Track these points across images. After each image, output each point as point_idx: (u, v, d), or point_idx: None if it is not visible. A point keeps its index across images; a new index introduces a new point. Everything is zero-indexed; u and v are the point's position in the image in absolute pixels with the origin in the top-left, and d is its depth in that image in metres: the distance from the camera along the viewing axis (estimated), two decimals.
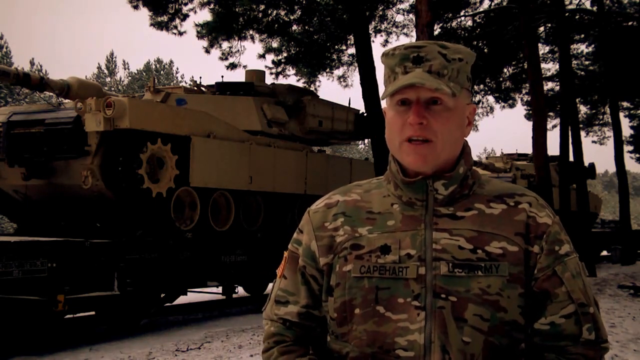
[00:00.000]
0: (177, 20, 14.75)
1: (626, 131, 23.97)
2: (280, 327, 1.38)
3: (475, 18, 18.00)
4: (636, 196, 78.51)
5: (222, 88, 10.80)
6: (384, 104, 1.39)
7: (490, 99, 20.92)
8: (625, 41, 18.34)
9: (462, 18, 17.92)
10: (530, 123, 11.79)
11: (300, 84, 16.10)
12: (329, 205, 1.39)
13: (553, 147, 15.83)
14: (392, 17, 16.64)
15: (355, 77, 18.88)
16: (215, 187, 9.17)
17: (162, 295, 8.89)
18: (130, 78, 57.89)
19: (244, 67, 15.97)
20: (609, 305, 9.23)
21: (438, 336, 1.22)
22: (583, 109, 24.36)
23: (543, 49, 19.91)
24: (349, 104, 12.60)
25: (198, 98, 10.29)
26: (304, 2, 14.92)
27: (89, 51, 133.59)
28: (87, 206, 8.40)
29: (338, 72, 17.66)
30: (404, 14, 16.74)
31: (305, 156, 10.97)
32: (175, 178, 8.45)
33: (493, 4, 18.12)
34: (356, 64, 14.33)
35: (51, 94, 8.91)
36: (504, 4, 17.73)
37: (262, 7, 14.68)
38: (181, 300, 9.65)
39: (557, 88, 20.52)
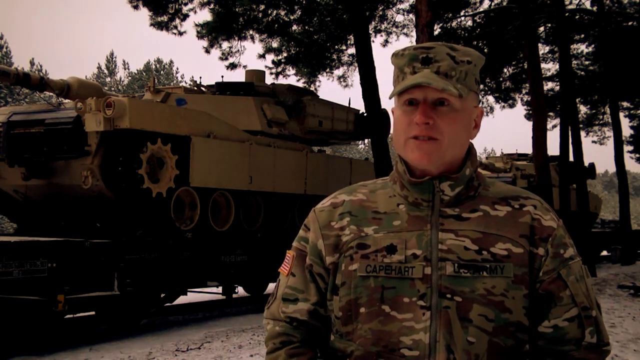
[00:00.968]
0: (177, 20, 14.76)
1: (626, 131, 24.00)
2: (287, 326, 1.37)
3: (475, 18, 18.01)
4: (636, 196, 78.51)
5: (222, 88, 10.80)
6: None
7: (490, 99, 20.94)
8: (625, 41, 18.34)
9: (462, 18, 17.93)
10: (530, 123, 11.78)
11: (300, 84, 16.11)
12: (335, 205, 1.39)
13: (553, 147, 15.83)
14: (392, 17, 16.65)
15: (355, 77, 18.89)
16: (215, 187, 9.17)
17: (162, 295, 8.89)
18: (130, 78, 57.90)
19: (244, 67, 15.98)
20: (609, 305, 9.23)
21: (443, 336, 1.23)
22: (583, 109, 24.37)
23: (543, 49, 19.94)
24: (349, 104, 12.60)
25: (198, 98, 10.28)
26: (304, 2, 14.92)
27: (89, 51, 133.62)
28: (87, 206, 8.39)
29: (338, 72, 17.66)
30: (404, 14, 16.75)
31: (305, 156, 10.96)
32: (175, 178, 8.45)
33: (493, 4, 18.13)
34: (356, 64, 14.33)
35: (51, 94, 8.91)
36: (504, 4, 17.73)
37: (262, 7, 14.69)
38: (181, 300, 9.65)
39: (557, 88, 20.53)
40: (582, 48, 21.53)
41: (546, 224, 1.31)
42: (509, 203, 1.33)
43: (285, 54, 16.34)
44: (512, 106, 21.04)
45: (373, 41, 14.22)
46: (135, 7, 13.91)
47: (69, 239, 7.37)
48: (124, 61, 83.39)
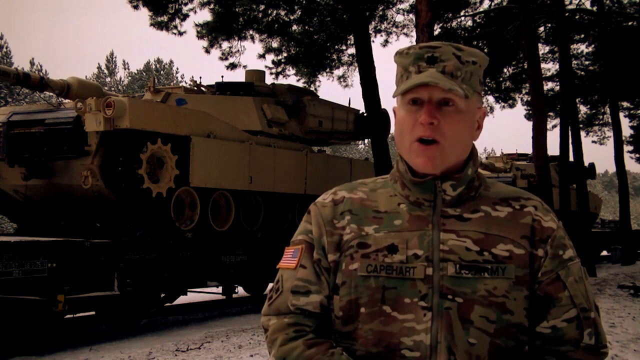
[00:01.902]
0: (177, 20, 14.76)
1: (626, 131, 24.00)
2: (298, 317, 1.32)
3: (475, 18, 18.01)
4: (636, 196, 78.51)
5: (222, 88, 10.80)
6: (390, 103, 1.39)
7: (490, 99, 20.92)
8: (625, 41, 18.34)
9: (462, 18, 17.93)
10: (530, 123, 11.77)
11: (300, 84, 16.11)
12: (335, 202, 1.38)
13: (553, 147, 15.87)
14: (392, 17, 16.65)
15: (355, 77, 18.88)
16: (215, 187, 9.17)
17: (162, 295, 8.89)
18: (130, 78, 57.90)
19: (244, 67, 15.99)
20: (609, 305, 9.23)
21: (444, 337, 1.23)
22: (583, 109, 24.36)
23: (543, 49, 19.94)
24: (349, 104, 12.60)
25: (198, 98, 10.28)
26: (304, 2, 14.92)
27: (89, 51, 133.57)
28: (87, 206, 8.39)
29: (338, 72, 17.66)
30: (404, 14, 16.75)
31: (305, 156, 10.96)
32: (175, 178, 8.45)
33: (493, 4, 18.14)
34: (356, 64, 14.33)
35: (51, 94, 8.91)
36: (504, 4, 17.73)
37: (262, 7, 14.69)
38: (181, 300, 9.65)
39: (557, 88, 20.52)
40: (582, 48, 21.55)
41: (546, 225, 1.31)
42: (510, 204, 1.33)
43: (285, 54, 16.35)
44: (512, 106, 21.04)
45: (373, 41, 14.24)
46: (135, 7, 13.91)
47: (69, 239, 7.37)
48: (124, 61, 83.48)
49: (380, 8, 16.07)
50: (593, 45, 20.79)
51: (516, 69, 19.65)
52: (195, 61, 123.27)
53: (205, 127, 9.06)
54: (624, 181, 19.04)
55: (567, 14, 16.72)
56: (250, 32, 15.35)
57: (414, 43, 10.65)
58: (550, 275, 1.28)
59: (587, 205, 16.16)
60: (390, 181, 1.39)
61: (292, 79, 47.55)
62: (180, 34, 14.94)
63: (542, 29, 18.87)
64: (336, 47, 16.46)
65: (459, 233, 1.28)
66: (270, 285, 1.42)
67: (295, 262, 1.35)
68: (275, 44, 16.15)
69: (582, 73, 21.77)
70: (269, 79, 13.60)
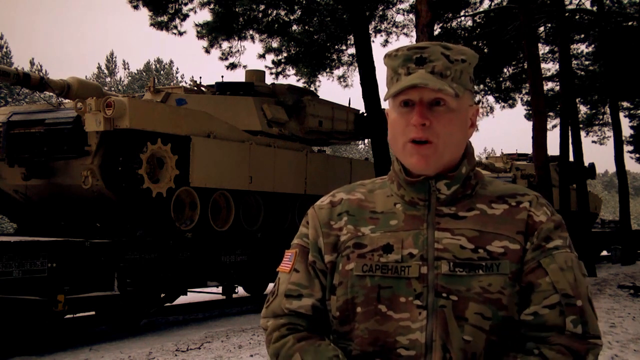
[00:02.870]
0: (177, 20, 14.77)
1: (626, 131, 24.00)
2: (291, 317, 1.34)
3: (475, 18, 18.01)
4: (636, 196, 78.50)
5: (222, 88, 10.80)
6: (385, 105, 1.39)
7: (490, 99, 20.94)
8: (625, 41, 18.33)
9: (462, 18, 17.93)
10: (530, 123, 11.78)
11: (300, 84, 16.11)
12: (333, 204, 1.39)
13: (553, 147, 15.83)
14: (392, 17, 16.66)
15: (355, 77, 18.88)
16: (215, 187, 9.17)
17: (162, 295, 8.88)
18: (130, 78, 57.91)
19: (244, 67, 16.00)
20: (609, 305, 9.23)
21: (439, 335, 1.23)
22: (583, 109, 24.36)
23: (543, 49, 19.94)
24: (349, 104, 12.60)
25: (198, 98, 10.29)
26: (304, 2, 14.92)
27: (89, 51, 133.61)
28: (87, 206, 8.40)
29: (338, 72, 17.68)
30: (404, 14, 16.77)
31: (305, 156, 10.96)
32: (175, 178, 8.45)
33: (493, 4, 18.14)
34: (356, 64, 14.33)
35: (51, 94, 8.91)
36: (504, 4, 17.73)
37: (262, 7, 14.70)
38: (181, 300, 9.65)
39: (557, 88, 20.52)
40: (582, 48, 21.55)
41: (537, 219, 1.30)
42: (506, 201, 1.33)
43: (285, 54, 16.35)
44: (512, 106, 21.04)
45: (373, 41, 14.23)
46: (135, 7, 13.92)
47: (69, 239, 7.37)
48: (124, 61, 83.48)
49: (380, 8, 16.07)
50: (593, 45, 20.79)
51: (516, 69, 19.65)
52: (195, 61, 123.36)
53: (205, 127, 9.07)
54: (624, 181, 19.04)
55: (567, 14, 16.72)
56: (250, 32, 15.36)
57: (414, 43, 10.69)
58: (531, 264, 1.27)
59: (587, 205, 16.15)
60: (387, 181, 1.40)
61: (292, 79, 47.60)
62: (180, 34, 14.95)
63: (542, 29, 18.87)
64: (336, 47, 16.47)
65: (454, 231, 1.28)
66: (271, 285, 1.44)
67: (289, 266, 1.38)
68: (275, 44, 16.16)
69: (582, 73, 21.77)
70: (269, 79, 13.62)
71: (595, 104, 24.04)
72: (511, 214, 1.31)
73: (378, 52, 13.06)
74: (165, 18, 14.62)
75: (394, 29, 16.70)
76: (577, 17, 19.29)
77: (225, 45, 15.62)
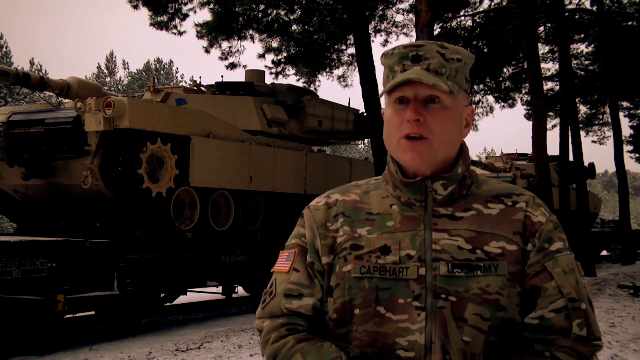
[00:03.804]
0: (177, 20, 14.76)
1: (626, 131, 23.99)
2: (291, 318, 1.32)
3: (475, 18, 18.01)
4: (636, 196, 78.51)
5: (222, 88, 10.80)
6: (383, 104, 1.39)
7: (490, 99, 20.94)
8: (625, 41, 18.33)
9: (462, 18, 17.92)
10: (530, 123, 11.78)
11: (300, 84, 16.11)
12: (329, 205, 1.39)
13: (553, 147, 15.84)
14: (392, 17, 16.66)
15: (355, 77, 18.90)
16: (215, 187, 9.17)
17: (162, 295, 8.89)
18: (130, 78, 57.91)
19: (244, 67, 15.99)
20: (609, 305, 9.22)
21: (439, 336, 1.23)
22: (583, 109, 24.36)
23: (543, 49, 19.93)
24: (349, 104, 12.60)
25: (198, 98, 10.28)
26: (304, 2, 14.92)
27: (89, 51, 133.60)
28: (87, 206, 8.40)
29: (338, 72, 17.69)
30: (404, 14, 16.76)
31: (305, 156, 10.97)
32: (175, 178, 8.45)
33: (493, 4, 18.14)
34: (356, 64, 14.33)
35: (51, 94, 8.91)
36: (504, 4, 17.73)
37: (262, 7, 14.69)
38: (181, 300, 9.65)
39: (557, 88, 20.52)
40: (582, 48, 21.55)
41: (536, 220, 1.31)
42: (502, 201, 1.33)
43: (285, 54, 16.34)
44: (512, 106, 21.04)
45: (373, 41, 14.25)
46: (135, 7, 13.92)
47: (69, 239, 7.37)
48: (124, 61, 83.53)
49: (380, 8, 16.07)
50: (593, 45, 20.79)
51: (516, 69, 19.65)
52: (195, 61, 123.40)
53: (205, 127, 9.07)
54: (624, 181, 19.04)
55: (567, 14, 16.71)
56: (250, 32, 15.36)
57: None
58: (536, 267, 1.27)
59: (587, 205, 16.15)
60: (382, 183, 1.40)
61: (292, 79, 47.61)
62: (180, 34, 14.95)
63: (542, 29, 18.87)
64: (336, 47, 16.47)
65: (451, 232, 1.28)
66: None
67: (288, 266, 1.36)
68: (275, 44, 16.16)
69: (582, 73, 21.77)
70: (269, 79, 13.61)
71: (595, 104, 24.04)
72: (507, 214, 1.31)
73: (378, 52, 13.08)
74: (165, 18, 14.62)
75: (394, 29, 16.71)
76: (577, 17, 19.28)
77: (225, 45, 15.63)
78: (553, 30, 18.55)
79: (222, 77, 12.54)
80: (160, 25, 14.64)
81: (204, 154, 8.89)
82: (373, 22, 15.95)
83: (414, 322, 1.24)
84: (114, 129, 7.77)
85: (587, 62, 22.02)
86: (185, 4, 14.58)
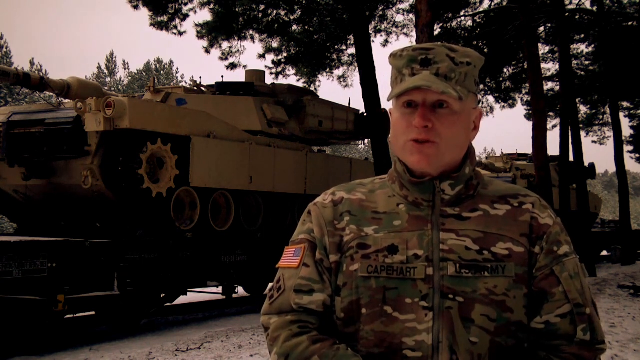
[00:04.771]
0: (177, 20, 14.76)
1: (626, 131, 24.01)
2: (301, 314, 1.30)
3: (475, 18, 18.01)
4: (636, 196, 78.53)
5: (222, 88, 10.80)
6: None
7: (490, 99, 20.93)
8: (625, 41, 18.33)
9: (462, 18, 17.92)
10: (530, 123, 11.78)
11: (300, 84, 16.11)
12: (335, 203, 1.37)
13: (553, 147, 15.87)
14: (392, 17, 16.65)
15: (355, 77, 18.89)
16: (215, 187, 9.17)
17: (162, 295, 8.89)
18: (130, 78, 57.91)
19: (244, 67, 15.99)
20: (609, 305, 9.22)
21: (446, 336, 1.23)
22: (583, 109, 24.37)
23: (543, 49, 19.94)
24: (349, 104, 12.60)
25: (198, 98, 10.28)
26: (304, 2, 14.92)
27: (89, 51, 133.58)
28: (87, 206, 8.39)
29: (338, 72, 17.68)
30: (404, 14, 16.75)
31: (305, 156, 10.96)
32: (175, 178, 8.45)
33: (493, 4, 18.13)
34: (356, 64, 14.33)
35: (51, 94, 8.91)
36: (504, 4, 17.73)
37: (262, 7, 14.69)
38: (181, 300, 9.65)
39: (557, 88, 20.53)
40: (582, 48, 21.56)
41: (543, 222, 1.31)
42: (508, 202, 1.33)
43: (285, 54, 16.34)
44: (512, 106, 21.04)
45: (373, 41, 14.23)
46: (135, 7, 13.92)
47: (69, 239, 7.37)
48: (124, 61, 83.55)
49: (380, 8, 16.07)
50: (593, 45, 20.79)
51: (516, 69, 19.65)
52: (195, 61, 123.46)
53: (205, 127, 9.06)
54: (624, 181, 19.04)
55: (567, 14, 16.71)
56: (250, 32, 15.36)
57: (414, 43, 10.64)
58: (545, 271, 1.28)
59: (587, 205, 16.15)
60: (388, 182, 1.39)
61: (292, 79, 47.59)
62: (180, 34, 14.95)
63: (542, 29, 18.87)
64: (336, 47, 16.47)
65: (459, 232, 1.28)
66: (271, 285, 1.41)
67: (297, 261, 1.34)
68: (275, 44, 16.16)
69: (582, 73, 21.77)
70: (269, 79, 13.62)
71: (595, 104, 24.04)
72: (514, 215, 1.31)
73: (378, 52, 13.05)
74: (165, 18, 14.62)
75: (394, 29, 16.71)
76: (577, 17, 19.29)
77: (225, 45, 15.63)
78: (553, 30, 18.55)
79: (222, 77, 12.55)
80: (160, 25, 14.65)
81: (204, 154, 8.89)
82: (373, 22, 15.95)
83: (421, 321, 1.24)
84: (114, 129, 7.76)
85: (587, 62, 22.03)
86: (185, 4, 14.59)
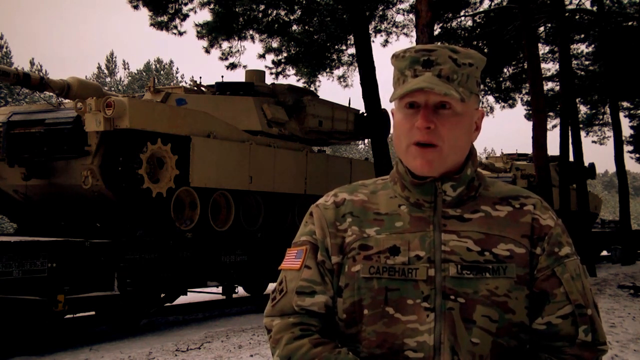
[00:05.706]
0: (177, 20, 14.77)
1: (626, 131, 24.01)
2: (303, 316, 1.31)
3: (475, 18, 18.01)
4: (636, 196, 78.52)
5: (222, 88, 10.80)
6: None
7: (490, 99, 20.94)
8: (625, 41, 18.34)
9: (462, 18, 17.93)
10: (530, 123, 11.78)
11: (300, 84, 16.11)
12: (337, 204, 1.38)
13: (553, 147, 15.85)
14: (392, 17, 16.66)
15: (355, 77, 18.89)
16: (215, 187, 9.16)
17: (162, 295, 8.88)
18: (130, 78, 57.91)
19: (244, 67, 16.00)
20: (609, 305, 9.23)
21: (447, 337, 1.23)
22: (583, 109, 24.37)
23: (543, 49, 19.94)
24: (349, 104, 12.59)
25: (198, 98, 10.28)
26: (304, 2, 14.92)
27: (89, 51, 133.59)
28: (87, 206, 8.39)
29: (338, 72, 17.67)
30: (404, 14, 16.76)
31: (305, 156, 10.96)
32: (175, 178, 8.45)
33: (493, 4, 18.14)
34: (356, 64, 14.33)
35: (51, 94, 8.91)
36: (504, 4, 17.73)
37: (262, 7, 14.70)
38: (181, 300, 9.64)
39: (557, 88, 20.52)
40: (582, 48, 21.56)
41: (544, 223, 1.31)
42: (510, 203, 1.33)
43: (285, 54, 16.35)
44: (512, 106, 21.04)
45: (373, 41, 14.23)
46: (135, 7, 13.92)
47: (69, 239, 7.37)
48: (124, 61, 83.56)
49: (380, 8, 16.07)
50: (593, 45, 20.79)
51: (516, 69, 19.65)
52: (195, 61, 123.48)
53: (205, 127, 9.06)
54: (624, 181, 19.04)
55: (567, 14, 16.71)
56: (250, 32, 15.36)
57: (414, 43, 10.63)
58: (546, 272, 1.28)
59: (587, 205, 16.15)
60: (390, 183, 1.39)
61: (292, 79, 47.60)
62: (180, 34, 14.95)
63: (542, 29, 18.87)
64: (336, 47, 16.47)
65: (460, 233, 1.28)
66: (271, 285, 1.41)
67: (299, 263, 1.34)
68: (275, 44, 16.16)
69: (582, 73, 21.77)
70: (269, 79, 13.62)
71: (595, 104, 24.04)
72: (515, 216, 1.31)
73: (378, 52, 13.07)
74: (165, 18, 14.62)
75: (394, 29, 16.71)
76: (577, 17, 19.29)
77: (225, 45, 15.63)
78: (553, 30, 18.55)
79: (222, 77, 12.54)
80: (160, 25, 14.65)
81: (204, 154, 8.89)
82: (373, 22, 15.95)
83: (422, 322, 1.24)
84: (114, 129, 7.76)
85: (587, 62, 22.03)
86: (185, 4, 14.59)
